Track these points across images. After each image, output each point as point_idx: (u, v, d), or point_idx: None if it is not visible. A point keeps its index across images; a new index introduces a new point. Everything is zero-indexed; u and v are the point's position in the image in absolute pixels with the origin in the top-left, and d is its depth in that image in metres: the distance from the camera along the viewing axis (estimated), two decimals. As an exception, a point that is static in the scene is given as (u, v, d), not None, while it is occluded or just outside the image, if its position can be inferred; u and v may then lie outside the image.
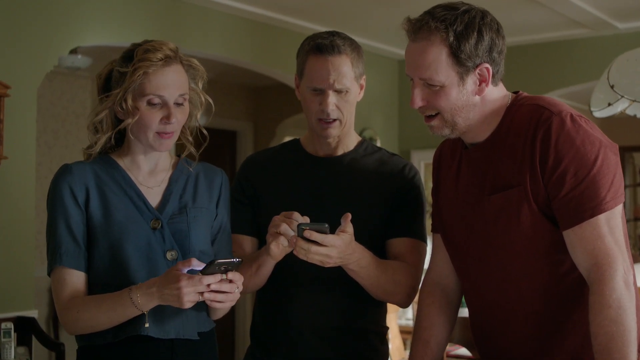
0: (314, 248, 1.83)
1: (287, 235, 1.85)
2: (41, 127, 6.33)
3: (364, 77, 2.15)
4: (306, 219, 1.88)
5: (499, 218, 1.78)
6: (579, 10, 5.01)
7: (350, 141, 2.19)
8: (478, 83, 1.78)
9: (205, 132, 2.00)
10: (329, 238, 1.83)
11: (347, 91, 2.07)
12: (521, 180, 1.74)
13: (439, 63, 1.75)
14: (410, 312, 5.61)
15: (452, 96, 1.77)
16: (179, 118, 1.88)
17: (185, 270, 1.73)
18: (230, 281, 1.74)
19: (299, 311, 2.10)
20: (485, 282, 1.86)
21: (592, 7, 5.00)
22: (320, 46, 2.06)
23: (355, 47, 2.11)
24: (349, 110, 2.10)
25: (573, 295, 1.77)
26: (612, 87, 3.66)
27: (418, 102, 1.80)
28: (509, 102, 1.84)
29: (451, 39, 1.73)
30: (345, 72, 2.06)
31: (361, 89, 2.16)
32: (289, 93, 6.69)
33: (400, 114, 6.52)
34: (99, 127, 1.91)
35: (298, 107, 7.35)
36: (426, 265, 2.10)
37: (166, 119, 1.85)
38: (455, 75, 1.75)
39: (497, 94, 1.83)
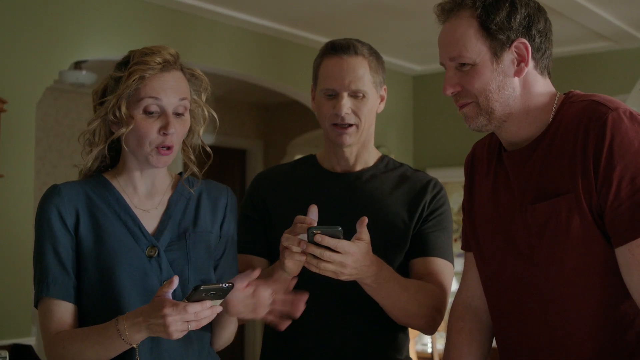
0: (327, 254, 1.66)
1: (297, 245, 1.69)
2: (46, 146, 6.25)
3: (385, 87, 2.03)
4: (313, 223, 1.71)
5: (544, 231, 1.56)
6: (601, 21, 4.92)
7: (369, 157, 2.06)
8: (516, 62, 1.59)
9: (209, 149, 1.83)
10: (342, 243, 1.67)
11: (363, 95, 1.94)
12: (572, 187, 1.52)
13: (468, 38, 1.58)
14: (427, 337, 5.41)
15: (486, 75, 1.58)
16: (178, 129, 1.71)
17: (169, 292, 1.55)
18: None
19: (312, 338, 1.96)
20: (522, 310, 1.62)
21: (615, 17, 4.92)
22: (336, 45, 1.96)
23: (374, 52, 2.00)
24: (366, 117, 1.96)
25: (630, 328, 1.54)
26: (645, 100, 3.49)
27: (449, 89, 1.62)
28: (560, 101, 1.63)
29: (479, 10, 1.58)
30: (362, 74, 1.94)
31: (382, 100, 2.03)
32: (300, 110, 6.56)
33: (415, 131, 6.45)
34: (91, 139, 1.75)
35: (309, 125, 7.31)
36: (454, 288, 1.89)
37: (164, 128, 1.69)
38: (487, 51, 1.58)
39: (542, 86, 1.63)
